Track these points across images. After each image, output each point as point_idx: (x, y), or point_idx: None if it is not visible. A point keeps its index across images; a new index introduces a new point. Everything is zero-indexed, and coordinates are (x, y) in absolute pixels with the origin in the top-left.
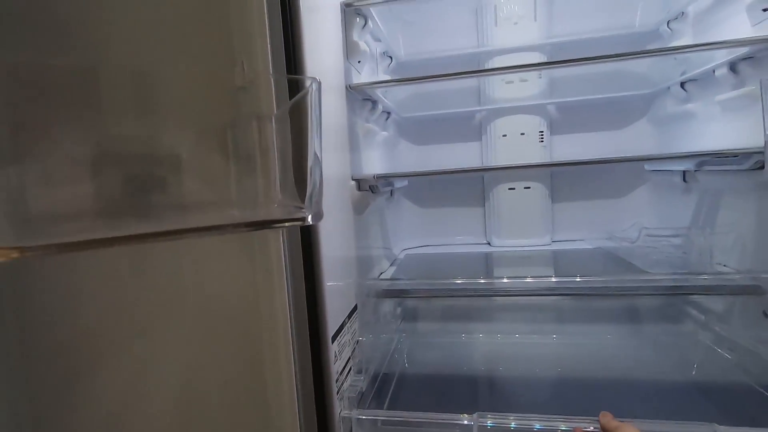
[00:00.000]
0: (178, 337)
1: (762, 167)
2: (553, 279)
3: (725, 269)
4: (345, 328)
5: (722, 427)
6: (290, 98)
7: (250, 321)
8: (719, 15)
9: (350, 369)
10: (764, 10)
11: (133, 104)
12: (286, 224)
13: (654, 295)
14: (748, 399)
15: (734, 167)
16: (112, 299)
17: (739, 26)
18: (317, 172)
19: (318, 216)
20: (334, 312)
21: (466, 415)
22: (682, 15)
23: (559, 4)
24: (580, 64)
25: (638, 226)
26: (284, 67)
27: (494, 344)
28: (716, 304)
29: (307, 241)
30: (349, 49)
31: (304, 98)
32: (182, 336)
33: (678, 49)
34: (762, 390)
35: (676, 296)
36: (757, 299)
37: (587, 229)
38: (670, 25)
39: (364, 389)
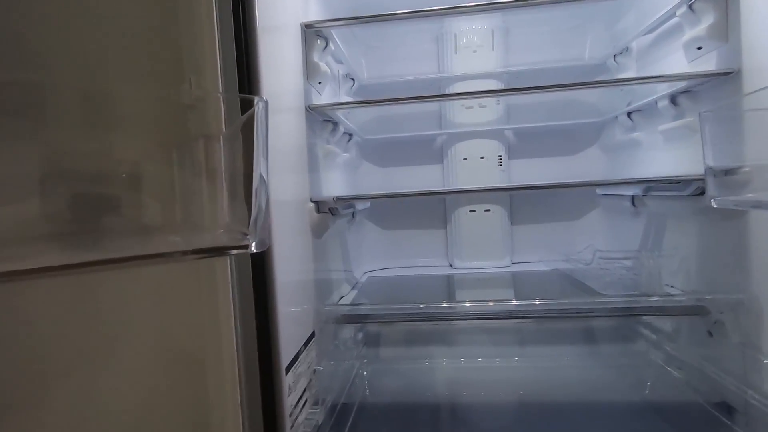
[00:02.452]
0: (121, 370)
1: (701, 193)
2: (514, 302)
3: (672, 290)
4: (301, 357)
5: None
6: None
7: (194, 353)
8: (660, 51)
9: (306, 401)
10: (698, 48)
11: (78, 117)
12: (233, 252)
13: (608, 317)
14: (699, 417)
15: (677, 193)
16: (52, 326)
17: (678, 62)
18: (263, 196)
19: (263, 243)
20: (288, 341)
21: None
22: (627, 50)
23: (515, 36)
24: (534, 92)
25: (592, 248)
26: (236, 86)
27: (458, 369)
28: (666, 324)
29: (260, 266)
30: (310, 70)
31: (251, 118)
32: (126, 368)
33: (623, 81)
34: (710, 408)
35: (629, 317)
36: (702, 319)
37: (545, 250)
38: (617, 59)
39: (320, 422)
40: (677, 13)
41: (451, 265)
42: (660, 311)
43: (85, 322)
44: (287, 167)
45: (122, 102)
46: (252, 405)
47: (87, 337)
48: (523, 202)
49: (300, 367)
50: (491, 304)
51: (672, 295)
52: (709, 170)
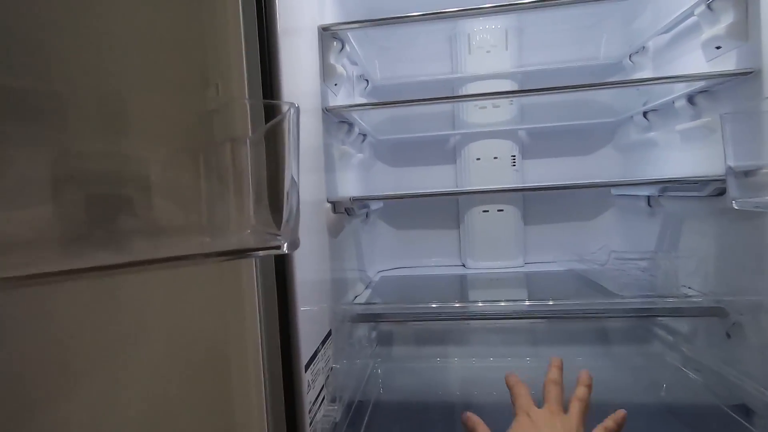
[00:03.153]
0: (144, 368)
1: (720, 194)
2: (527, 303)
3: (690, 292)
4: (319, 355)
5: None
6: (266, 121)
7: (220, 352)
8: (677, 50)
9: (323, 398)
10: (717, 47)
11: (99, 123)
12: (260, 253)
13: (624, 318)
14: (717, 420)
15: (694, 194)
16: (76, 326)
17: (695, 62)
18: (294, 198)
19: (294, 244)
20: (307, 339)
21: None
22: (643, 49)
23: (529, 35)
24: (549, 93)
25: (606, 248)
26: (260, 90)
27: (470, 368)
28: (682, 325)
29: (281, 266)
30: (326, 72)
31: (281, 123)
32: (149, 367)
33: (639, 81)
34: (729, 411)
35: (645, 318)
36: (720, 321)
37: (558, 251)
38: (632, 58)
39: (338, 419)
40: (695, 12)
41: (464, 265)
42: (677, 312)
43: (108, 320)
44: (305, 168)
45: (146, 108)
46: (275, 403)
47: (110, 336)
48: (536, 202)
49: (318, 364)
50: (504, 304)
51: (689, 297)
52: (730, 171)
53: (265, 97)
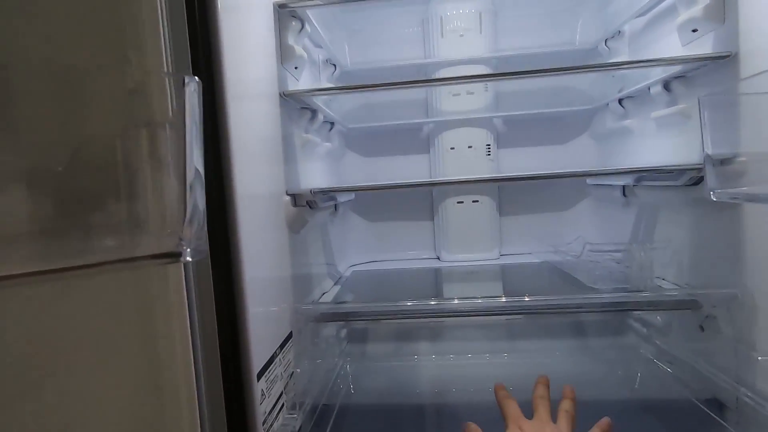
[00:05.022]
0: (67, 390)
1: (695, 183)
2: (503, 299)
3: (664, 283)
4: (276, 361)
5: None
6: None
7: (148, 367)
8: (653, 35)
9: (282, 405)
10: (693, 30)
11: None
12: (156, 261)
13: (599, 312)
14: (689, 414)
15: (670, 183)
16: None
17: (671, 46)
18: (198, 193)
19: (199, 251)
20: (261, 344)
21: None
22: (618, 34)
23: (504, 19)
24: (524, 77)
25: (581, 239)
26: (188, 67)
27: (445, 366)
28: (656, 318)
29: (226, 265)
30: (284, 54)
31: (182, 101)
32: (73, 388)
33: (617, 65)
34: (700, 404)
35: (620, 312)
36: (694, 314)
37: (534, 242)
38: (608, 43)
39: (298, 428)
40: None
41: (438, 258)
42: (651, 306)
43: (22, 333)
44: (259, 158)
45: (51, 82)
46: (215, 418)
47: (27, 351)
48: (512, 193)
49: (275, 370)
50: (479, 300)
51: (663, 289)
52: (708, 159)
53: (204, 81)
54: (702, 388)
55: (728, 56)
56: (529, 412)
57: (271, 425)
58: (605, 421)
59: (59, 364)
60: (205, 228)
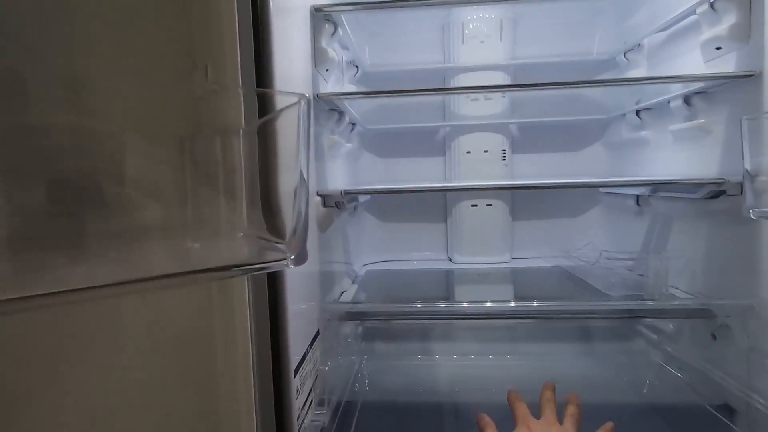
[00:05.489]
0: (124, 373)
1: (714, 197)
2: (523, 304)
3: (677, 292)
4: (307, 358)
5: None
6: (259, 112)
7: (207, 357)
8: (674, 49)
9: (311, 402)
10: (717, 48)
11: (62, 100)
12: (263, 268)
13: (612, 318)
14: (699, 418)
15: (687, 195)
16: (43, 326)
17: (692, 62)
18: (303, 202)
19: (302, 257)
20: (296, 341)
21: None
22: (638, 46)
23: (523, 27)
24: (544, 89)
25: (592, 246)
26: (253, 74)
27: (453, 366)
28: (667, 325)
29: None
30: (318, 57)
31: (288, 114)
32: (129, 371)
33: (640, 80)
34: (712, 410)
35: (631, 318)
36: (707, 322)
37: (544, 247)
38: (627, 55)
39: (326, 424)
40: (697, 11)
41: (450, 260)
42: (665, 314)
43: (76, 319)
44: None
45: (118, 88)
46: (265, 415)
47: (77, 338)
48: (524, 198)
49: (306, 367)
50: (490, 305)
51: (678, 298)
52: (747, 176)
53: (257, 83)
54: (712, 393)
55: (752, 75)
56: (536, 413)
57: (303, 420)
58: (609, 425)
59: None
60: (306, 235)
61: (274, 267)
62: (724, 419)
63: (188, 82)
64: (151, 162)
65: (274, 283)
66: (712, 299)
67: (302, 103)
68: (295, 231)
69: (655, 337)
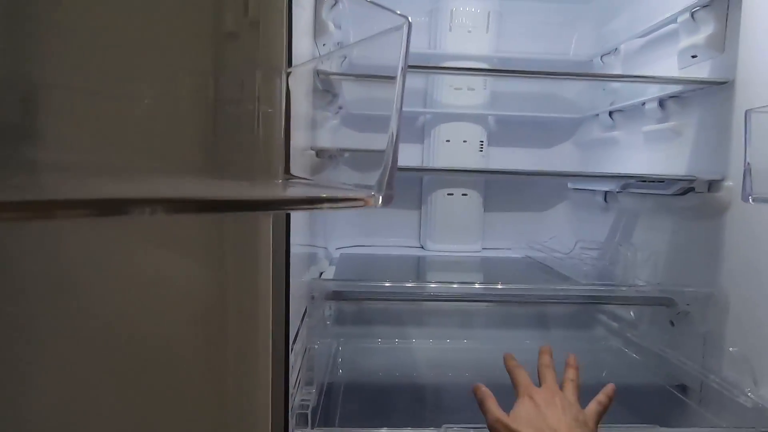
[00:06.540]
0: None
1: (684, 193)
2: (499, 286)
3: (639, 282)
4: (299, 335)
5: (663, 429)
6: (289, 62)
7: (228, 316)
8: (650, 55)
9: (300, 381)
10: (693, 56)
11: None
12: (347, 204)
13: (578, 303)
14: (655, 395)
15: (658, 191)
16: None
17: (667, 68)
18: (393, 139)
19: (389, 198)
20: (294, 314)
21: (432, 429)
22: (615, 51)
23: (508, 22)
24: (528, 77)
25: (556, 240)
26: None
27: (429, 350)
28: (628, 313)
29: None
30: (318, 29)
31: (392, 39)
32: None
33: (621, 77)
34: (671, 389)
35: (593, 305)
36: (667, 310)
37: (512, 238)
38: (603, 58)
39: (314, 404)
40: (678, 20)
41: (422, 247)
42: (629, 301)
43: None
44: (300, 125)
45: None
46: (277, 381)
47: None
48: (497, 189)
49: (297, 345)
50: (469, 285)
51: (643, 286)
52: (748, 167)
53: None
54: (668, 374)
55: (726, 83)
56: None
57: (294, 398)
58: (610, 387)
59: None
60: (395, 176)
61: (355, 204)
62: (679, 395)
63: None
64: (171, 91)
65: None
66: (677, 288)
67: (405, 28)
68: (384, 170)
69: (615, 324)
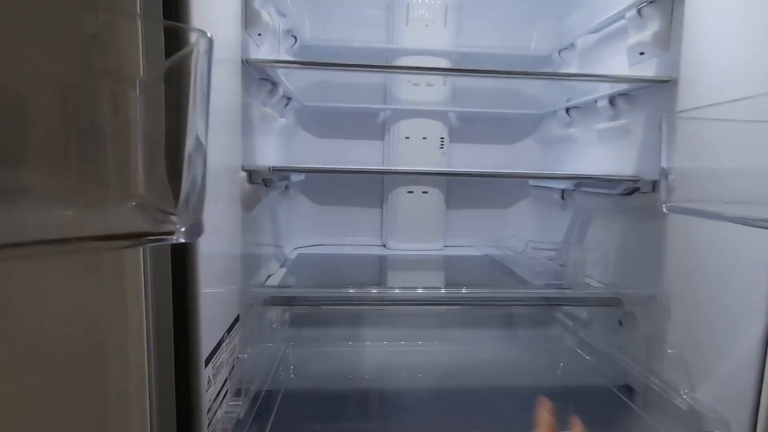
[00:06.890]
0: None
1: (629, 193)
2: (452, 291)
3: (592, 282)
4: (223, 346)
5: None
6: (167, 57)
7: (94, 351)
8: (603, 52)
9: (226, 392)
10: (640, 53)
11: None
12: (149, 241)
13: (532, 305)
14: (603, 398)
15: (606, 191)
16: None
17: (619, 65)
18: (199, 166)
19: (196, 229)
20: (210, 328)
21: None
22: (572, 46)
23: (467, 15)
24: (483, 76)
25: (519, 236)
26: (160, 17)
27: (382, 352)
28: (581, 312)
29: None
30: (249, 18)
31: (186, 59)
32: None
33: (569, 76)
34: (616, 391)
35: (550, 306)
36: (615, 310)
37: (475, 236)
38: (561, 54)
39: (242, 414)
40: (626, 16)
41: (384, 245)
42: (580, 302)
43: None
44: (218, 129)
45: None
46: (164, 409)
47: None
48: (459, 187)
49: (222, 356)
50: (421, 291)
51: (592, 287)
52: (663, 173)
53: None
54: (616, 375)
55: (669, 81)
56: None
57: (215, 413)
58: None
59: None
60: (203, 205)
61: (159, 241)
62: (624, 398)
63: (76, 15)
64: (26, 110)
65: (183, 264)
66: (621, 289)
67: (201, 43)
68: (188, 199)
69: (570, 323)
